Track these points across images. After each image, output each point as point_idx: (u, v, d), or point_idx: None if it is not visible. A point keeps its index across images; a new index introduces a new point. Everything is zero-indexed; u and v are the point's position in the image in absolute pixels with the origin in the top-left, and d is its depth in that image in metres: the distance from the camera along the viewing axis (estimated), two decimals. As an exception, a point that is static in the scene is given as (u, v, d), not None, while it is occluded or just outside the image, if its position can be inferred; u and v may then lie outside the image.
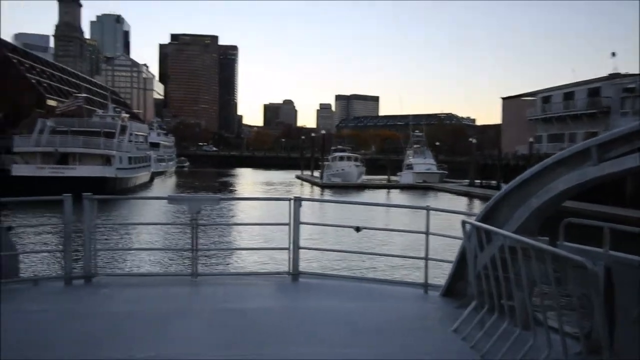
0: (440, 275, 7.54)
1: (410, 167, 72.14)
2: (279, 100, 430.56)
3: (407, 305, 6.66)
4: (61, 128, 49.80)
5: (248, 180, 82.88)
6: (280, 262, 10.31)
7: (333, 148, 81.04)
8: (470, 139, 77.58)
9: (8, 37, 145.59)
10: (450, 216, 7.09)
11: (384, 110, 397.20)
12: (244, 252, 20.97)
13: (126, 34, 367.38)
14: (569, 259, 3.75)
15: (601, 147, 4.56)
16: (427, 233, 7.08)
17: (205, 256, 17.82)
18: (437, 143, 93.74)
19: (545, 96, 68.21)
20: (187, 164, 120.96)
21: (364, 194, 57.09)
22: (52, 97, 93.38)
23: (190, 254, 7.83)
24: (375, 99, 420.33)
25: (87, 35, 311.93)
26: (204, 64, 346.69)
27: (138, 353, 4.68)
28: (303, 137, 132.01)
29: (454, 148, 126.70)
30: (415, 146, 79.03)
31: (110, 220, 27.90)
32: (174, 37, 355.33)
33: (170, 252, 20.55)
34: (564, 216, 5.23)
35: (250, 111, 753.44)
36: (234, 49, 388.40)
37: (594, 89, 59.50)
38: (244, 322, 5.66)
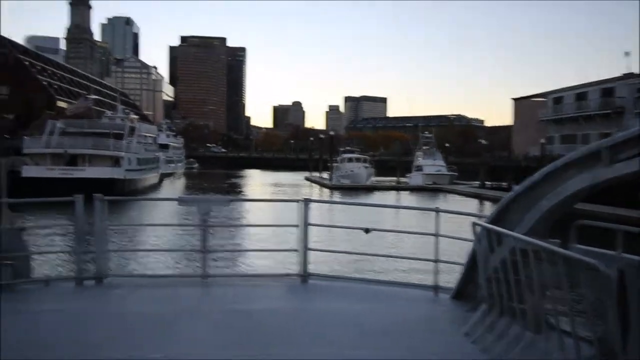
0: (450, 277, 7.51)
1: (419, 168, 71.72)
2: (287, 102, 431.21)
3: (417, 307, 6.62)
4: (71, 129, 50.11)
5: (257, 182, 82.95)
6: (290, 264, 10.29)
7: (342, 149, 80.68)
8: (480, 140, 77.20)
9: (20, 40, 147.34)
10: (460, 218, 7.04)
11: (392, 111, 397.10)
12: (253, 253, 20.97)
13: (135, 36, 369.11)
14: (581, 261, 3.71)
15: (612, 149, 4.52)
16: (436, 235, 7.06)
17: (215, 258, 17.83)
18: (447, 144, 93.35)
19: (557, 97, 67.72)
20: (196, 165, 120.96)
21: (373, 195, 56.71)
22: (62, 98, 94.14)
23: (200, 255, 7.86)
24: (384, 100, 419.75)
25: (98, 37, 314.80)
26: (212, 66, 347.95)
27: (148, 353, 4.71)
28: (312, 138, 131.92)
29: (463, 149, 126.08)
30: (424, 147, 78.76)
31: (120, 221, 28.02)
32: (183, 39, 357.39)
33: (180, 253, 20.59)
34: (575, 218, 5.16)
35: (258, 113, 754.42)
36: (242, 50, 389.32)
37: (607, 89, 58.94)
38: (252, 323, 5.67)
